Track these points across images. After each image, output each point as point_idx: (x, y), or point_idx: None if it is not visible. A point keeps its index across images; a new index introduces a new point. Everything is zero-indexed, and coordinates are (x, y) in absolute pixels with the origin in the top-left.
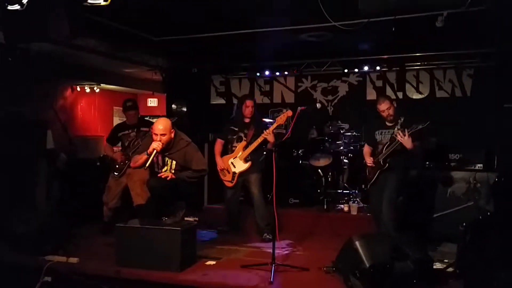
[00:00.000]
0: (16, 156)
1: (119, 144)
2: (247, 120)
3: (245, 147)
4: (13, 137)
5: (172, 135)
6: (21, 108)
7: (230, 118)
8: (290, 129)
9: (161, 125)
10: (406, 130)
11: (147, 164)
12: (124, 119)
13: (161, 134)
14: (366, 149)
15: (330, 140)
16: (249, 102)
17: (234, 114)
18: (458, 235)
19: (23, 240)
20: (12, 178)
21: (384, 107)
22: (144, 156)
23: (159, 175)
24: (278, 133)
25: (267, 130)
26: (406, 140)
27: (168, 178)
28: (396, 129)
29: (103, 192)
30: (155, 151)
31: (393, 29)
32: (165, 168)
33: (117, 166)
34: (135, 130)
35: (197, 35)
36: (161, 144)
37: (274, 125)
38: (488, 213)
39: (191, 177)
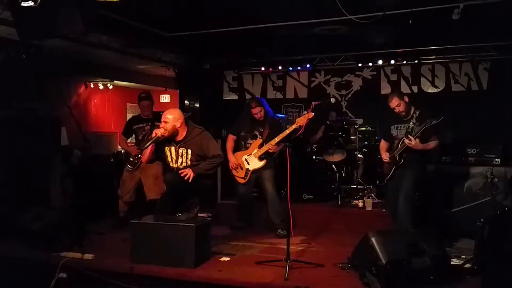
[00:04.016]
0: (30, 153)
1: (134, 137)
2: (260, 119)
3: (261, 146)
4: (27, 134)
5: (178, 124)
6: (35, 105)
7: (242, 116)
8: (304, 125)
9: (167, 114)
10: (411, 135)
11: (146, 146)
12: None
13: (163, 121)
14: (383, 144)
15: (344, 135)
16: (255, 110)
17: (245, 114)
18: (476, 230)
19: (38, 236)
20: (27, 175)
21: (394, 104)
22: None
23: (180, 171)
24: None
25: (278, 137)
26: (415, 144)
27: (190, 180)
28: (408, 125)
29: (118, 187)
30: (156, 136)
31: (410, 21)
32: (180, 160)
33: (131, 160)
34: (149, 124)
35: (209, 31)
36: (162, 130)
37: (292, 127)
38: (506, 208)
39: (209, 168)
